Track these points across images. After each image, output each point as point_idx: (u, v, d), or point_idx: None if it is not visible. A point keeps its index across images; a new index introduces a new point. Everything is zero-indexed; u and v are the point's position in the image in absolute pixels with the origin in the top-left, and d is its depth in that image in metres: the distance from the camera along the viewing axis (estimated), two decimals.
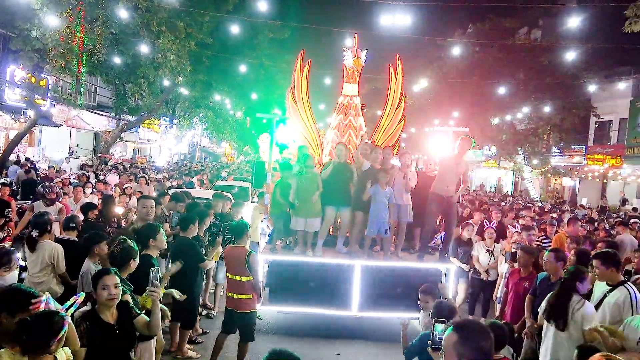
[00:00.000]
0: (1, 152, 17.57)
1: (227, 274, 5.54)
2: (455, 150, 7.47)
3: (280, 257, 7.10)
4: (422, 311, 4.83)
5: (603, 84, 22.67)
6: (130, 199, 9.86)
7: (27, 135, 19.03)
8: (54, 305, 3.04)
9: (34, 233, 5.23)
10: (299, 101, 8.60)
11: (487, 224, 9.03)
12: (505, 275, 6.89)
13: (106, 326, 3.18)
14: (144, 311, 3.63)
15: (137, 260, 4.13)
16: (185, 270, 5.54)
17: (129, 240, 4.14)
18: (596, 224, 12.68)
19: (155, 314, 3.42)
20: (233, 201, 8.33)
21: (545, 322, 4.50)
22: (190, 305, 5.67)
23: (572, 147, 27.41)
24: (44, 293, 3.17)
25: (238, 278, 5.37)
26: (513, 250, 7.22)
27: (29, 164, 16.12)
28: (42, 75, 17.89)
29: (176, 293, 4.74)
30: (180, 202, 7.72)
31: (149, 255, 4.65)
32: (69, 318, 2.92)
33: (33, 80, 16.99)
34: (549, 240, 8.67)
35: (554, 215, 14.73)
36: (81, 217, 6.66)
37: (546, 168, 28.76)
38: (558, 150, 28.28)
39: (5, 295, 2.99)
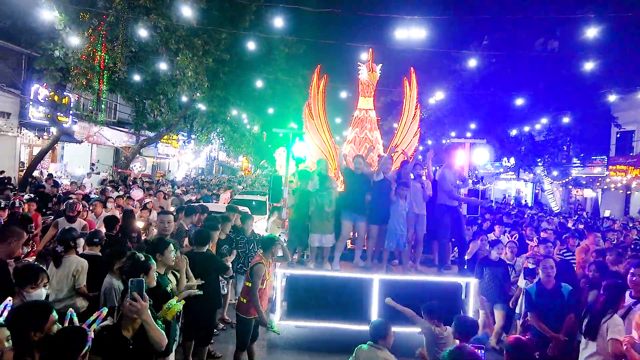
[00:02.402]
0: (25, 168, 18.03)
1: None
2: (446, 161, 7.71)
3: (298, 272, 7.08)
4: None
5: (623, 94, 22.30)
6: (150, 214, 9.99)
7: (50, 151, 19.47)
8: (76, 321, 3.08)
9: (59, 249, 5.27)
10: (315, 116, 8.67)
11: (508, 238, 8.90)
12: (524, 290, 6.76)
13: (122, 341, 3.16)
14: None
15: (153, 274, 3.96)
16: (204, 285, 5.45)
17: (139, 254, 3.98)
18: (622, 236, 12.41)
19: (148, 329, 3.20)
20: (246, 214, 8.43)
21: (583, 337, 4.54)
22: (206, 320, 5.64)
23: (593, 157, 26.91)
24: (67, 308, 3.21)
25: (246, 282, 5.66)
26: (531, 266, 7.04)
27: (44, 179, 16.44)
28: (65, 93, 18.34)
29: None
30: (197, 214, 7.87)
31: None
32: (92, 333, 2.95)
33: (56, 98, 17.41)
34: (571, 253, 8.50)
35: (580, 226, 14.47)
36: (103, 230, 6.75)
37: (567, 179, 28.24)
38: (579, 161, 27.75)
39: (22, 311, 3.02)
